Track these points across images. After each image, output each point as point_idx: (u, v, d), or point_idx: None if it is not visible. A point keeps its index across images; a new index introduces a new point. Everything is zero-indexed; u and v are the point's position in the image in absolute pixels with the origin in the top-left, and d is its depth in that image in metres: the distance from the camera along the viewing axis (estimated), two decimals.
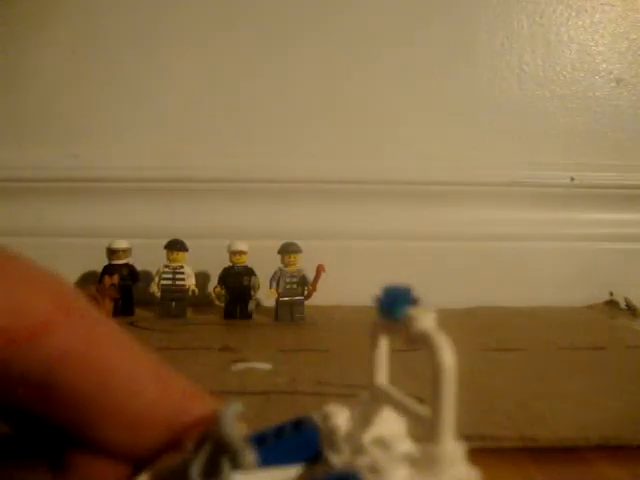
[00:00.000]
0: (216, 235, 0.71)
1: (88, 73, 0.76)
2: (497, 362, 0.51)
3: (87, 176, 0.74)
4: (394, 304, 0.15)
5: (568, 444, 0.35)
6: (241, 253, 0.66)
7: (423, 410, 0.15)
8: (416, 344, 0.14)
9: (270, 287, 0.65)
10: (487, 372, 0.47)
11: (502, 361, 0.51)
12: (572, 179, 0.77)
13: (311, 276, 0.66)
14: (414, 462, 0.14)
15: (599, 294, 0.76)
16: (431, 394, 0.14)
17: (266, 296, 0.67)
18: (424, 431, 0.14)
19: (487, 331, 0.62)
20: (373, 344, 0.17)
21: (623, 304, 0.74)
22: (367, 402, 0.17)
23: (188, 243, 0.67)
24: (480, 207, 0.77)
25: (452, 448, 0.14)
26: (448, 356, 0.14)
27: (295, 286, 0.66)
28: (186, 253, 0.67)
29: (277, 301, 0.65)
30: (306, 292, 0.66)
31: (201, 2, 0.76)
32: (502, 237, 0.77)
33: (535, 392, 0.43)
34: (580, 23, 0.79)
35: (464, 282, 0.75)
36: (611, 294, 0.76)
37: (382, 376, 0.17)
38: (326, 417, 0.17)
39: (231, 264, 0.66)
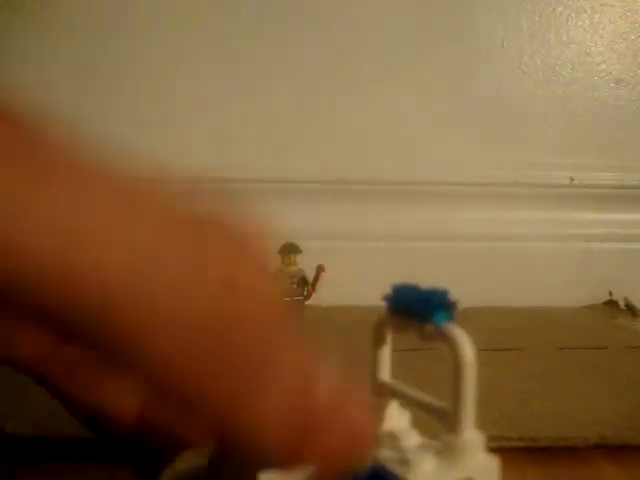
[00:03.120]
0: None
1: (88, 74, 0.75)
2: (497, 362, 0.51)
3: None
4: (434, 308, 0.15)
5: (568, 444, 0.35)
6: None
7: (440, 403, 0.15)
8: (433, 340, 0.15)
9: None
10: (487, 372, 0.47)
11: (502, 361, 0.51)
12: (572, 179, 0.77)
13: (311, 276, 0.66)
14: (437, 452, 0.14)
15: (599, 294, 0.76)
16: (452, 386, 0.14)
17: None
18: (443, 422, 0.14)
19: (487, 331, 0.62)
20: (378, 340, 0.17)
21: (623, 304, 0.74)
22: (371, 397, 0.17)
23: None
24: (480, 207, 0.77)
25: (473, 437, 0.14)
26: (469, 349, 0.14)
27: (295, 286, 0.66)
28: None
29: None
30: (306, 292, 0.66)
31: (209, 3, 0.76)
32: (502, 237, 0.77)
33: (535, 392, 0.43)
34: (579, 23, 0.79)
35: (464, 282, 0.74)
36: (610, 294, 0.76)
37: (385, 372, 0.17)
38: None
39: None
